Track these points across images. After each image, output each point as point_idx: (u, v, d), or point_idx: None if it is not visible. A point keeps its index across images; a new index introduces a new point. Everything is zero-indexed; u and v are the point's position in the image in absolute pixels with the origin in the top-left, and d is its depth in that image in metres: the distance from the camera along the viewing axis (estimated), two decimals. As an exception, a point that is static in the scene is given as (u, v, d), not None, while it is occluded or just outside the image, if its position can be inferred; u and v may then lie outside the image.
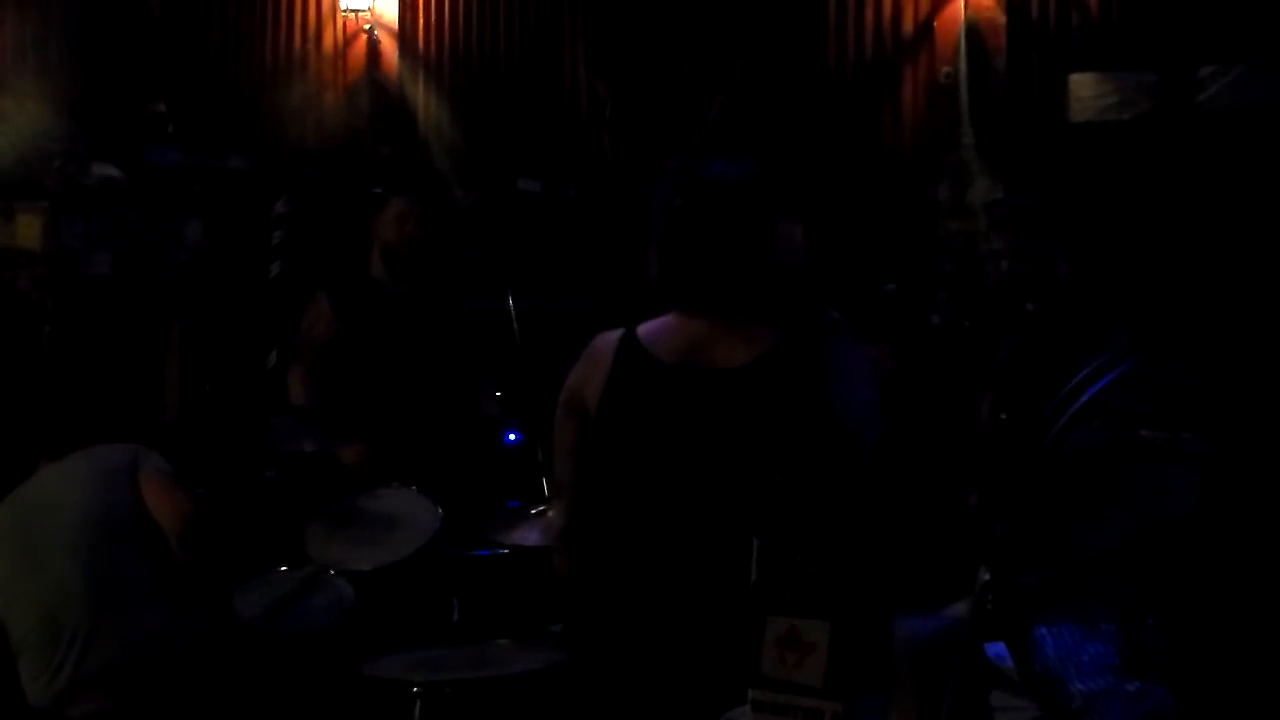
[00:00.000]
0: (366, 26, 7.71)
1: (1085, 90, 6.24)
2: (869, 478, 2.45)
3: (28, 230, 6.56)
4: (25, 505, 3.47)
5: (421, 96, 7.63)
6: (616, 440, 2.54)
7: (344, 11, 7.72)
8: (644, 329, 2.59)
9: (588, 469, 2.61)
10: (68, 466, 3.49)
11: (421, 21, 7.66)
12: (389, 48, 7.72)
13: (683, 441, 2.50)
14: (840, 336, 2.58)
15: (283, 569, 3.80)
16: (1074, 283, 4.11)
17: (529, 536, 3.85)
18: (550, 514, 2.80)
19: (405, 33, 7.68)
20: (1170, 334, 1.55)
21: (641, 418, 2.53)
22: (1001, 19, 6.46)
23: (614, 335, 2.60)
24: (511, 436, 5.08)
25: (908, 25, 6.67)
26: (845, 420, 2.49)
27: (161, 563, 3.38)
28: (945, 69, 6.57)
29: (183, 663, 3.30)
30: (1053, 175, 6.10)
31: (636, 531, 2.55)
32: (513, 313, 4.88)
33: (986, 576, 1.59)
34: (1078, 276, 4.12)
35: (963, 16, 6.51)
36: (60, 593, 3.30)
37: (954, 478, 4.13)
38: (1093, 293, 4.12)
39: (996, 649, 1.86)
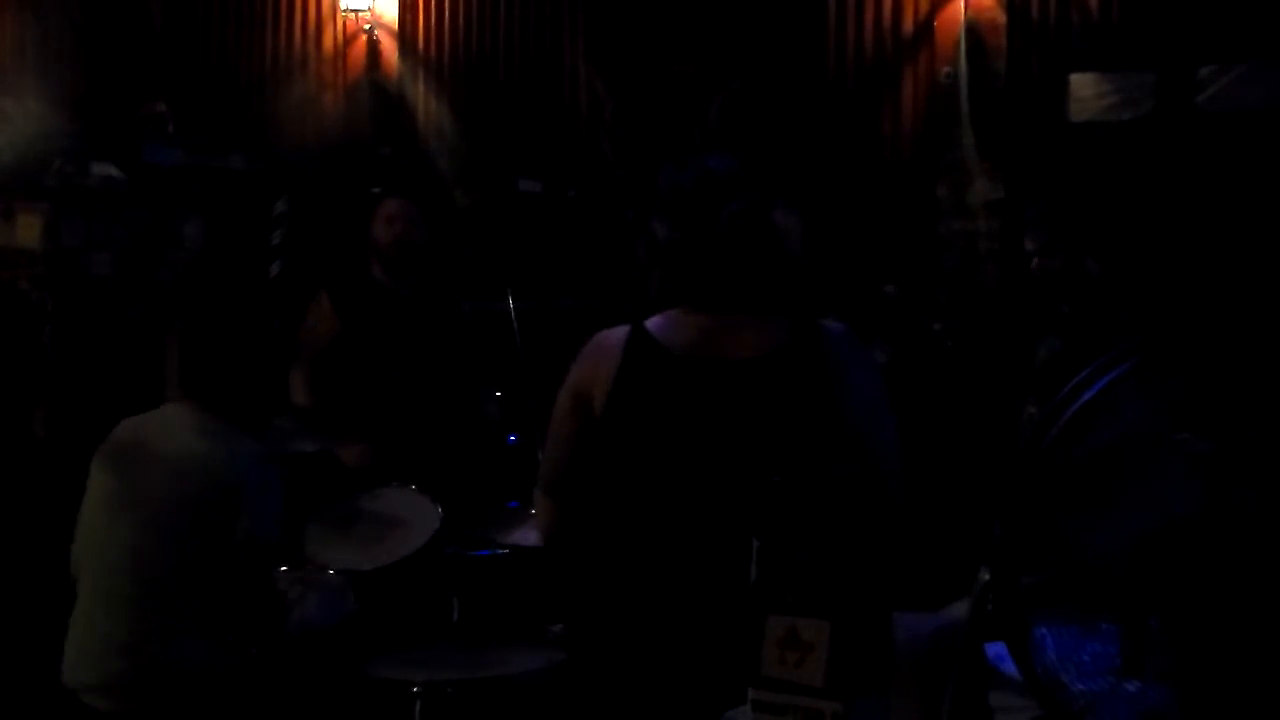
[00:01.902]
0: (366, 26, 7.71)
1: (1085, 90, 6.24)
2: (876, 478, 2.45)
3: (28, 230, 6.56)
4: (132, 460, 3.32)
5: (421, 96, 7.64)
6: (627, 434, 2.53)
7: (344, 11, 7.72)
8: (653, 323, 2.58)
9: (586, 466, 2.60)
10: (176, 437, 3.32)
11: (421, 21, 7.67)
12: (389, 48, 7.72)
13: (697, 434, 2.49)
14: (844, 342, 2.58)
15: (283, 569, 3.79)
16: (1107, 284, 4.12)
17: (529, 536, 3.85)
18: (535, 513, 2.76)
19: (405, 33, 7.68)
20: (1171, 333, 1.55)
21: (654, 410, 2.52)
22: (1001, 19, 6.46)
23: (620, 330, 2.59)
24: (512, 437, 5.08)
25: (908, 25, 6.67)
26: (849, 424, 2.48)
27: (204, 583, 3.25)
28: (945, 69, 6.57)
29: (206, 688, 3.25)
30: (1053, 175, 6.11)
31: (644, 527, 2.54)
32: (513, 313, 4.89)
33: (986, 576, 1.59)
34: (1109, 278, 4.13)
35: (963, 16, 6.51)
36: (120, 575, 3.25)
37: (980, 504, 4.12)
38: (1124, 294, 4.13)
39: (996, 649, 1.86)
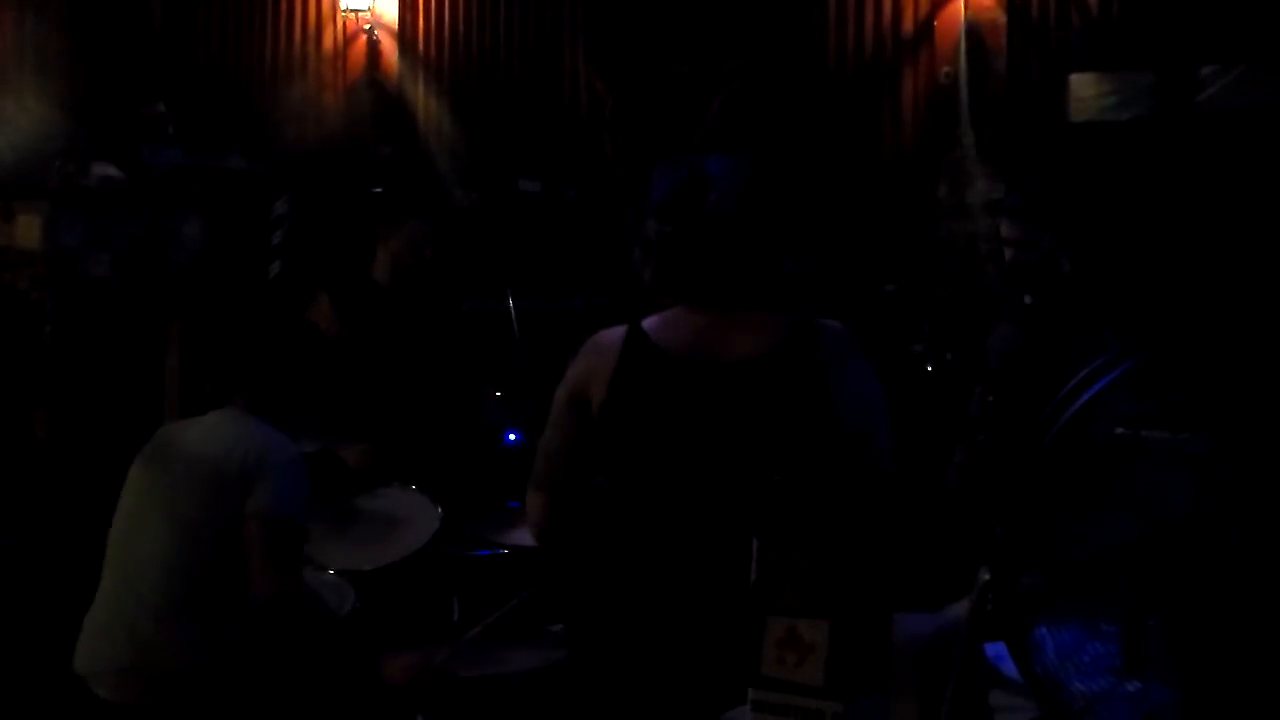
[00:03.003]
0: (366, 26, 7.71)
1: (1085, 90, 6.24)
2: (876, 477, 2.45)
3: (28, 230, 6.57)
4: (166, 457, 3.34)
5: (421, 96, 7.64)
6: (624, 434, 2.53)
7: (344, 11, 7.73)
8: (649, 323, 2.58)
9: (581, 465, 2.60)
10: (206, 433, 3.33)
11: (421, 21, 7.67)
12: (389, 48, 7.73)
13: (694, 435, 2.49)
14: (841, 341, 2.58)
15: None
16: (1074, 279, 4.12)
17: (529, 536, 3.84)
18: (526, 507, 2.74)
19: (405, 33, 7.69)
20: (1171, 334, 1.55)
21: (651, 411, 2.52)
22: (1001, 19, 6.46)
23: (618, 330, 2.60)
24: (511, 436, 5.08)
25: (908, 25, 6.68)
26: (846, 424, 2.48)
27: (228, 581, 3.22)
28: (945, 69, 6.57)
29: (212, 685, 3.24)
30: (1053, 175, 6.11)
31: (644, 528, 2.54)
32: (513, 313, 4.89)
33: (986, 576, 1.59)
34: (1078, 273, 4.12)
35: (963, 16, 6.51)
36: (143, 570, 3.26)
37: (937, 458, 4.14)
38: (1090, 290, 4.12)
39: (996, 649, 1.86)
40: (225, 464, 3.25)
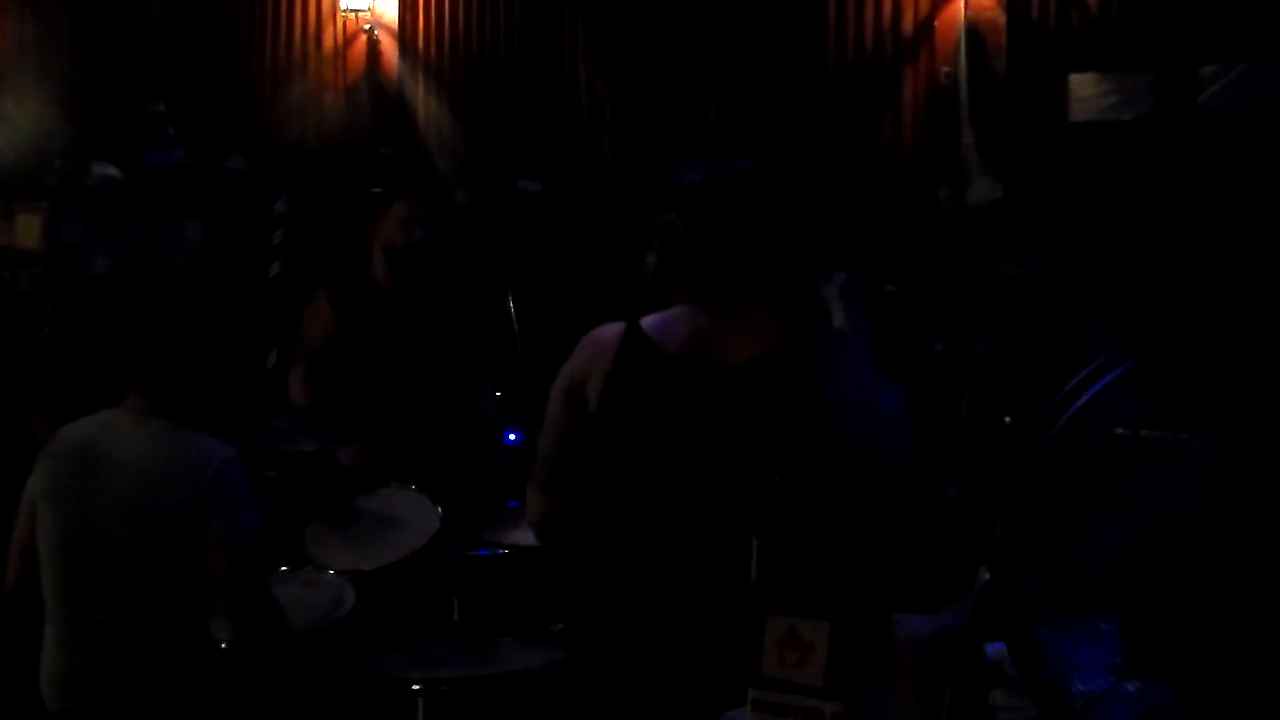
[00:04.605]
0: (366, 26, 7.72)
1: (1085, 90, 6.25)
2: (873, 478, 2.45)
3: (28, 230, 6.56)
4: (94, 478, 3.15)
5: (421, 96, 7.64)
6: (620, 434, 2.53)
7: (344, 11, 7.73)
8: (648, 322, 2.58)
9: (579, 462, 2.60)
10: (135, 451, 3.14)
11: (421, 21, 7.67)
12: (389, 48, 7.73)
13: (691, 437, 2.49)
14: (838, 345, 2.58)
15: (283, 569, 3.79)
16: (1045, 280, 4.12)
17: (529, 536, 3.85)
18: (526, 505, 2.73)
19: (405, 33, 7.69)
20: (1171, 333, 1.55)
21: (646, 412, 2.52)
22: (1001, 19, 6.47)
23: (616, 327, 2.59)
24: (511, 436, 5.08)
25: (908, 25, 6.68)
26: (844, 427, 2.48)
27: (189, 597, 3.13)
28: (945, 69, 6.58)
29: (194, 694, 3.18)
30: (1052, 175, 6.11)
31: (644, 528, 2.54)
32: (513, 313, 4.89)
33: (986, 576, 1.59)
34: (1048, 273, 4.13)
35: (963, 16, 6.52)
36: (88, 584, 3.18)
37: (933, 473, 4.14)
38: (1066, 288, 4.12)
39: (996, 649, 1.86)
40: (171, 489, 3.09)
